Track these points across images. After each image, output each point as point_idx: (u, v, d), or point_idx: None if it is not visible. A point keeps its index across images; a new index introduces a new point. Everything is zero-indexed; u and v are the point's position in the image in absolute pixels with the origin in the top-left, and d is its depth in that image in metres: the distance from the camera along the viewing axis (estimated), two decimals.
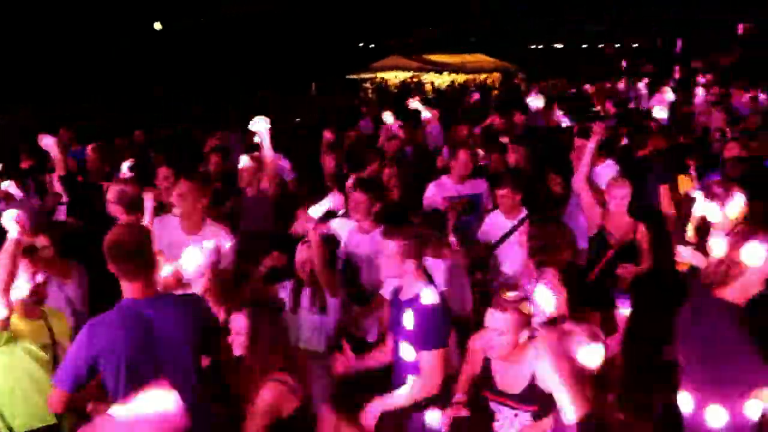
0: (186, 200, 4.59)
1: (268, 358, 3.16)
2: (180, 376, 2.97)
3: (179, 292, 3.52)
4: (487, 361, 3.28)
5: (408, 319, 3.52)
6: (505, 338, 3.07)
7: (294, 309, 4.26)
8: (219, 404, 3.32)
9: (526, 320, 3.08)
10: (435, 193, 6.03)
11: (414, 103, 10.70)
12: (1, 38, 22.14)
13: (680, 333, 3.37)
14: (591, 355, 2.44)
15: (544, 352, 2.43)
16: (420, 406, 3.51)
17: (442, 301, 3.57)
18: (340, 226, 4.98)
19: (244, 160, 6.00)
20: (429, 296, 3.51)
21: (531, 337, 3.05)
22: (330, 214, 4.81)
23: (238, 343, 3.22)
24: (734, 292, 3.07)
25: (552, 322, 2.67)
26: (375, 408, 3.52)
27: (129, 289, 3.00)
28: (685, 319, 3.33)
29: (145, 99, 21.11)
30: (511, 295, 3.13)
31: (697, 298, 3.31)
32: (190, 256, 3.71)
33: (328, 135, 8.64)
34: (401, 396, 3.53)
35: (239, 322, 3.23)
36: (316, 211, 4.35)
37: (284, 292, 4.34)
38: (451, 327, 3.69)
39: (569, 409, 2.41)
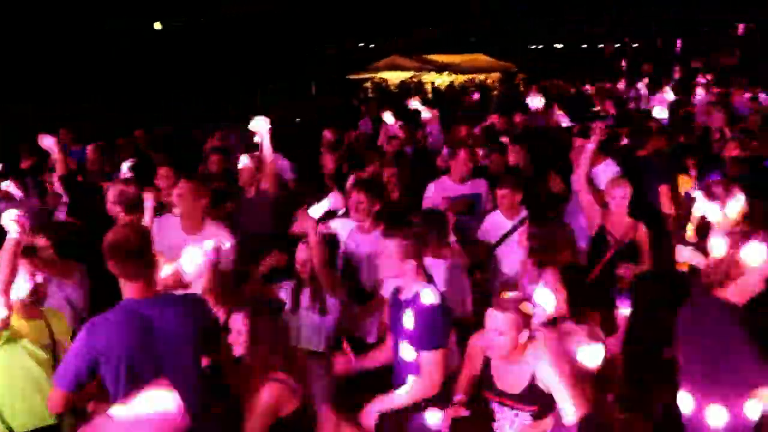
0: (185, 200, 4.60)
1: (268, 358, 3.16)
2: (180, 376, 2.96)
3: (179, 292, 3.52)
4: (486, 361, 3.27)
5: (408, 319, 3.52)
6: (505, 338, 3.06)
7: (294, 309, 4.26)
8: (219, 404, 3.31)
9: (525, 320, 3.08)
10: (435, 193, 6.03)
11: (414, 103, 10.70)
12: (1, 38, 22.22)
13: (680, 332, 3.37)
14: (590, 355, 2.44)
15: (544, 352, 2.44)
16: (420, 406, 3.51)
17: (443, 301, 3.56)
18: (340, 226, 4.97)
19: (244, 160, 5.99)
20: (429, 296, 3.51)
21: (531, 338, 3.05)
22: (330, 214, 4.81)
23: (238, 343, 3.22)
24: (734, 292, 3.08)
25: (552, 323, 2.67)
26: (375, 408, 3.52)
27: (129, 289, 3.00)
28: (686, 318, 3.34)
29: (145, 99, 21.13)
30: (510, 295, 3.13)
31: (697, 297, 3.32)
32: (190, 256, 3.71)
33: (328, 135, 8.63)
34: (401, 396, 3.52)
35: (239, 322, 3.23)
36: (316, 211, 4.35)
37: (284, 292, 4.34)
38: (451, 327, 3.69)
39: (569, 410, 2.42)
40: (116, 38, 26.29)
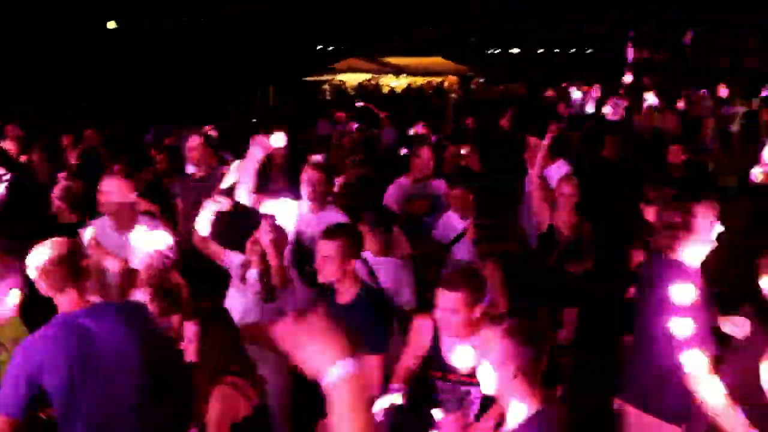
0: (112, 198, 4.46)
1: (219, 365, 3.10)
2: (126, 382, 2.90)
3: (119, 300, 3.44)
4: (435, 340, 3.22)
5: (350, 324, 3.45)
6: (458, 317, 3.03)
7: (242, 282, 4.13)
8: (181, 412, 3.23)
9: (477, 297, 3.06)
10: (395, 194, 6.01)
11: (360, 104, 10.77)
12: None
13: (638, 295, 3.46)
14: (537, 349, 2.45)
15: (488, 353, 2.43)
16: None
17: (384, 302, 3.53)
18: (288, 208, 4.91)
19: (194, 140, 5.84)
20: (368, 300, 3.47)
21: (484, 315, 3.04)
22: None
23: (189, 350, 3.16)
24: (686, 255, 3.19)
25: (497, 318, 2.67)
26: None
27: (62, 303, 2.89)
28: (645, 280, 3.43)
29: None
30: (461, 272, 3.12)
31: (653, 263, 3.41)
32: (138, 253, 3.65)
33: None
34: None
35: (190, 329, 3.17)
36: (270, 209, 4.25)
37: (235, 261, 4.22)
38: (391, 329, 3.62)
39: (519, 408, 2.42)
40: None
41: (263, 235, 4.02)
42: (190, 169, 6.07)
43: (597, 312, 4.91)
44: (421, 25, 30.67)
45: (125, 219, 4.42)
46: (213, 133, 7.40)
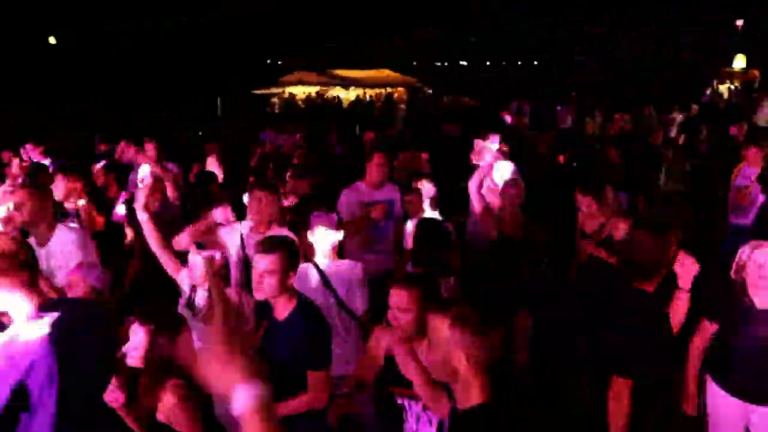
0: (26, 209, 4.19)
1: (162, 373, 2.96)
2: (94, 380, 2.78)
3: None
4: (390, 355, 3.08)
5: (291, 339, 3.28)
6: (409, 315, 2.95)
7: (190, 306, 3.98)
8: None
9: (429, 295, 2.97)
10: (350, 199, 5.87)
11: None
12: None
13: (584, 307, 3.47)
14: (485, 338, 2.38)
15: (437, 341, 2.36)
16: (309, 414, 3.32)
17: (320, 316, 3.39)
18: (230, 231, 4.77)
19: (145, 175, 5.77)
20: (305, 315, 3.31)
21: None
22: None
23: (133, 355, 3.01)
24: (652, 283, 3.28)
25: (445, 306, 2.59)
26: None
27: (30, 300, 2.72)
28: (601, 302, 3.46)
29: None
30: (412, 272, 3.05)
31: (615, 284, 3.46)
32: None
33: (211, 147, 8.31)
34: (287, 407, 3.26)
35: (139, 336, 3.00)
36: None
37: (185, 279, 4.07)
38: (329, 343, 3.44)
39: (467, 395, 2.35)
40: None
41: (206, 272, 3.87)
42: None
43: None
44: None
45: (42, 231, 4.18)
46: (151, 149, 7.12)
